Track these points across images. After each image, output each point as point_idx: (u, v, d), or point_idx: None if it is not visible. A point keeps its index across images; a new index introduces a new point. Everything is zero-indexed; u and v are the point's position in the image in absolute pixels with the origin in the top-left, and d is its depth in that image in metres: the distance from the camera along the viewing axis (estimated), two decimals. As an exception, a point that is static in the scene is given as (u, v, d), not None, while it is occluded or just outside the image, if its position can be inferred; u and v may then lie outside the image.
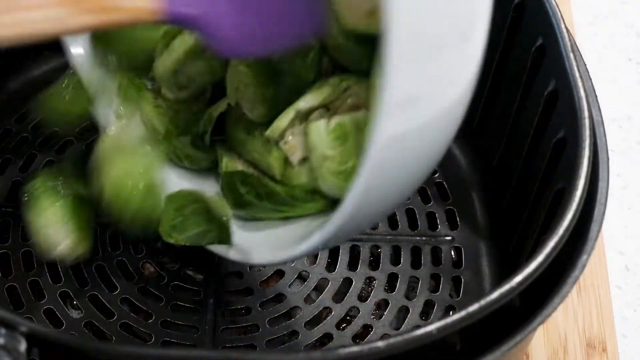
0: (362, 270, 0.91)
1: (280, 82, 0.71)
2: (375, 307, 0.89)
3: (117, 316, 0.85)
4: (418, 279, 0.91)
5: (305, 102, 0.70)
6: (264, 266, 0.89)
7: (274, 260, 0.72)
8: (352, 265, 0.91)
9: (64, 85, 0.83)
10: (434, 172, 0.98)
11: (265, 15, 0.58)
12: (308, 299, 0.89)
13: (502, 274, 0.89)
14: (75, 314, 0.85)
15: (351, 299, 0.89)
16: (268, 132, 0.73)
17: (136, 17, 0.57)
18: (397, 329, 0.88)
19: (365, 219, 0.67)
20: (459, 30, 0.58)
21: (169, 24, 0.59)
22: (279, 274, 0.90)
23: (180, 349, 0.75)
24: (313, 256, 0.91)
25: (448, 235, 0.94)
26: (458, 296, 0.90)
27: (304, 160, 0.73)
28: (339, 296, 0.89)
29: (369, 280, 0.90)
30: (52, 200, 0.79)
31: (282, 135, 0.73)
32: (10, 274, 0.87)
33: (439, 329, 0.63)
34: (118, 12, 0.57)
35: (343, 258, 0.91)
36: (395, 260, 0.92)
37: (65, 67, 1.01)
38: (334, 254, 0.91)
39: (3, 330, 0.60)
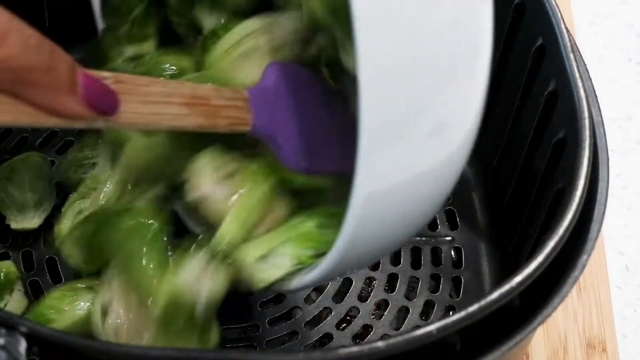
0: (362, 270, 0.91)
1: None
2: (375, 307, 0.89)
3: (117, 316, 0.85)
4: (418, 279, 0.91)
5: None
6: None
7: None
8: (352, 265, 0.91)
9: None
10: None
11: (318, 145, 0.72)
12: (308, 299, 0.89)
13: (502, 274, 0.89)
14: (75, 314, 0.85)
15: (351, 299, 0.89)
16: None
17: (234, 125, 0.70)
18: (397, 329, 0.88)
19: (352, 265, 0.71)
20: (433, 122, 0.59)
21: (251, 135, 0.71)
22: (279, 274, 0.90)
23: (179, 349, 0.74)
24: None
25: (448, 236, 0.94)
26: (458, 296, 0.90)
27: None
28: (339, 296, 0.89)
29: (369, 280, 0.90)
30: None
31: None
32: (10, 274, 0.88)
33: (438, 329, 0.63)
34: (223, 119, 0.69)
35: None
36: (395, 260, 0.92)
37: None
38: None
39: (3, 330, 0.60)
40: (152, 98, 0.66)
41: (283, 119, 0.72)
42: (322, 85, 0.74)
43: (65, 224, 0.83)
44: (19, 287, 0.85)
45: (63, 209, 0.86)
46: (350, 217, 0.61)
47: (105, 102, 0.62)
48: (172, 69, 0.82)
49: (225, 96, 0.70)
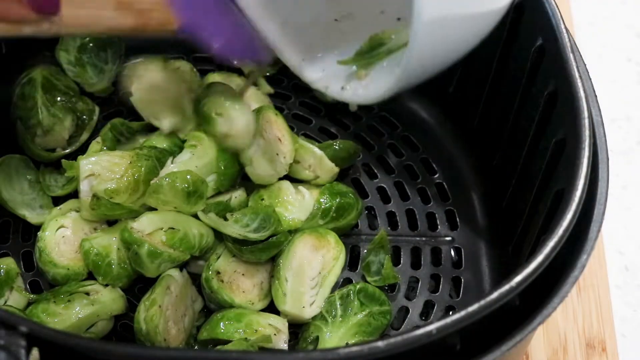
0: (362, 271, 0.91)
1: None
2: (375, 307, 0.89)
3: (117, 316, 0.85)
4: (418, 279, 0.91)
5: None
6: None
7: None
8: (353, 265, 0.91)
9: None
10: (434, 173, 0.98)
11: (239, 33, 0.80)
12: (308, 299, 0.89)
13: (502, 274, 0.89)
14: (75, 313, 0.86)
15: (351, 299, 0.89)
16: None
17: (163, 25, 0.78)
18: (397, 329, 0.88)
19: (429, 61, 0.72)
20: None
21: (180, 35, 0.78)
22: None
23: (180, 349, 0.75)
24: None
25: (448, 236, 0.94)
26: (458, 296, 0.90)
27: None
28: (339, 296, 0.89)
29: (369, 280, 0.90)
30: None
31: None
32: (11, 273, 0.88)
33: (438, 329, 0.63)
34: (151, 20, 0.77)
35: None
36: (396, 260, 0.92)
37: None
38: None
39: (3, 331, 0.60)
40: (87, 3, 0.74)
41: (204, 14, 0.77)
42: None
43: (48, 239, 0.86)
44: (19, 284, 0.85)
45: (44, 222, 0.88)
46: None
47: (46, 3, 0.69)
48: None
49: (147, 0, 0.76)
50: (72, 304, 0.82)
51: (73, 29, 0.75)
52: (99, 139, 0.93)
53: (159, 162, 0.87)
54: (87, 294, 0.83)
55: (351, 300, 0.85)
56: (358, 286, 0.85)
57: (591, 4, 1.19)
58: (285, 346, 0.82)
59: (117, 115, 0.97)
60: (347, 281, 0.90)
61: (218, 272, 0.85)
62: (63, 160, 0.89)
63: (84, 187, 0.86)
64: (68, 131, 0.94)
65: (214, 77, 0.98)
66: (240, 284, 0.85)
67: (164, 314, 0.81)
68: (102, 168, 0.86)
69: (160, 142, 0.90)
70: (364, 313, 0.84)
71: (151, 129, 0.94)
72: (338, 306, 0.84)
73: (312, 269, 0.86)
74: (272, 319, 0.82)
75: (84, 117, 0.96)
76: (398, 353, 0.62)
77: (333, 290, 0.87)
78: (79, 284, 0.84)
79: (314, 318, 0.84)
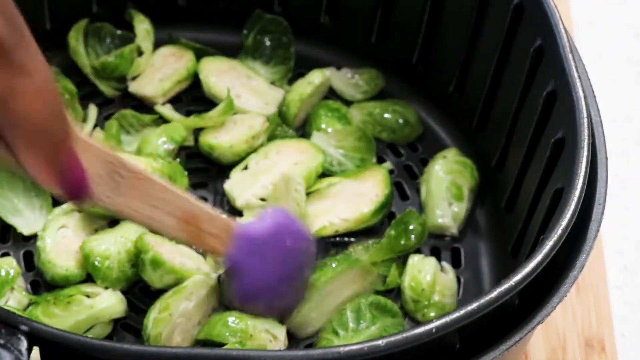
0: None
1: None
2: (375, 306, 0.89)
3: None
4: (417, 278, 0.91)
5: None
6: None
7: None
8: (352, 265, 0.91)
9: None
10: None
11: (268, 292, 0.81)
12: (308, 299, 0.89)
13: (501, 274, 0.89)
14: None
15: (351, 298, 0.89)
16: None
17: (209, 252, 0.82)
18: (397, 328, 0.88)
19: None
20: None
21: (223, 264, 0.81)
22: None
23: (179, 348, 0.75)
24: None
25: (447, 236, 0.94)
26: (457, 296, 0.90)
27: None
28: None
29: (369, 280, 0.90)
30: None
31: None
32: (11, 273, 0.88)
33: (438, 328, 0.63)
34: (203, 244, 0.78)
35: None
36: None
37: (64, 69, 1.01)
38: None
39: (4, 329, 0.61)
40: (153, 202, 0.72)
41: (255, 263, 0.78)
42: (306, 240, 0.82)
43: (48, 239, 0.86)
44: (20, 284, 0.85)
45: (44, 224, 0.87)
46: None
47: (74, 191, 0.66)
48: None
49: (215, 225, 0.76)
50: (71, 306, 0.82)
51: (131, 217, 0.73)
52: (101, 130, 0.93)
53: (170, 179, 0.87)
54: (87, 296, 0.83)
55: (363, 313, 0.83)
56: (370, 298, 0.84)
57: (590, 4, 1.19)
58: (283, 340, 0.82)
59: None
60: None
61: None
62: None
63: None
64: None
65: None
66: None
67: (173, 321, 0.81)
68: None
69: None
70: (376, 326, 0.83)
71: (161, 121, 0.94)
72: (350, 319, 0.83)
73: None
74: (269, 324, 0.82)
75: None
76: (398, 352, 0.62)
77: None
78: (78, 288, 0.84)
79: (325, 332, 0.83)
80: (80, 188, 0.66)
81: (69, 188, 0.65)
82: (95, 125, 0.96)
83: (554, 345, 0.92)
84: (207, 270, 0.85)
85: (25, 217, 0.89)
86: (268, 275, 0.79)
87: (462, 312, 0.63)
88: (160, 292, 0.84)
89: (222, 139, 0.94)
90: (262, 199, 0.91)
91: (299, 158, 0.92)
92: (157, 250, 0.84)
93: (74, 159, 0.64)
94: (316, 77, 0.98)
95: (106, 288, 0.85)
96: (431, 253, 0.92)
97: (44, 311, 0.82)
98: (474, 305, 0.64)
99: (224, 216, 0.77)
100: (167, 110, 0.97)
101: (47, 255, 0.85)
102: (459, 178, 0.93)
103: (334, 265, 0.86)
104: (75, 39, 0.98)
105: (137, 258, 0.84)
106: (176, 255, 0.85)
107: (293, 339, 0.85)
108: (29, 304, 0.84)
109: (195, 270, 0.85)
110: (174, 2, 1.03)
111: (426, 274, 0.87)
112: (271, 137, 0.95)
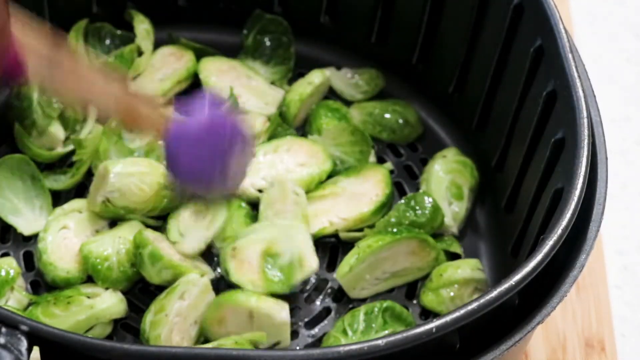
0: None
1: None
2: (375, 306, 0.89)
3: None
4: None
5: None
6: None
7: None
8: (352, 265, 0.91)
9: None
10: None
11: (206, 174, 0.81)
12: (308, 299, 0.89)
13: (502, 274, 0.89)
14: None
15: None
16: None
17: (150, 133, 0.84)
18: (397, 328, 0.88)
19: None
20: None
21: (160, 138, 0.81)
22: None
23: (179, 348, 0.75)
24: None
25: (447, 235, 0.94)
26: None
27: None
28: (339, 296, 0.89)
29: (369, 280, 0.91)
30: None
31: None
32: (11, 273, 0.88)
33: (438, 327, 0.63)
34: (141, 127, 0.81)
35: (343, 258, 0.91)
36: (395, 260, 0.92)
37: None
38: (333, 254, 0.91)
39: (4, 329, 0.61)
40: (90, 86, 0.76)
41: (189, 157, 0.79)
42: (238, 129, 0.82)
43: (49, 240, 0.86)
44: (20, 284, 0.85)
45: (45, 224, 0.87)
46: None
47: (9, 67, 0.72)
48: None
49: (153, 112, 0.79)
50: (71, 307, 0.82)
51: (70, 96, 0.79)
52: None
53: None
54: (88, 297, 0.83)
55: (375, 317, 0.84)
56: (385, 304, 0.84)
57: (590, 4, 1.19)
58: (287, 318, 0.82)
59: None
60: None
61: (234, 248, 0.85)
62: (72, 138, 0.90)
63: (99, 197, 0.86)
64: (63, 132, 0.94)
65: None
66: (249, 266, 0.85)
67: (169, 322, 0.81)
68: (129, 184, 0.86)
69: None
70: (385, 332, 0.83)
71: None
72: (361, 321, 0.84)
73: None
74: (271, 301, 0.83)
75: (76, 126, 0.95)
76: (398, 351, 0.62)
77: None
78: (79, 289, 0.84)
79: (335, 329, 0.84)
80: (14, 65, 0.72)
81: (5, 67, 0.71)
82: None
83: (554, 345, 0.92)
84: (205, 269, 0.86)
85: (25, 217, 0.89)
86: (203, 165, 0.80)
87: (462, 311, 0.63)
88: (160, 292, 0.85)
89: None
90: (260, 190, 0.91)
91: (307, 161, 0.93)
92: (155, 245, 0.84)
93: (11, 43, 0.70)
94: (316, 77, 0.98)
95: (107, 289, 0.85)
96: (431, 253, 0.92)
97: (44, 311, 0.82)
98: (474, 305, 0.64)
99: (161, 106, 0.80)
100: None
101: (48, 257, 0.85)
102: (458, 177, 0.93)
103: (394, 230, 0.86)
104: (75, 39, 0.98)
105: (136, 253, 0.84)
106: (175, 252, 0.85)
107: (345, 297, 0.87)
108: (29, 304, 0.84)
109: (193, 267, 0.85)
110: (174, 2, 1.03)
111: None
112: (272, 137, 0.95)
